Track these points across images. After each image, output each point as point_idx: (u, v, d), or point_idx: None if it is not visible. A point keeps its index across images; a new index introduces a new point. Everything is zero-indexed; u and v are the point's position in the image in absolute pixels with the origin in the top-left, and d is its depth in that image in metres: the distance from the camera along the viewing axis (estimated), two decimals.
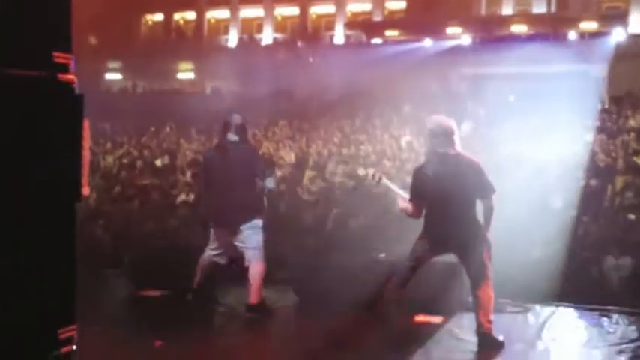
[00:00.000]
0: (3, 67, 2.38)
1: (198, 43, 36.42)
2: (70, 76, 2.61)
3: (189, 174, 11.22)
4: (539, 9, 32.18)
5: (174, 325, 5.99)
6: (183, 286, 6.71)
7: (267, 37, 37.97)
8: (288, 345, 5.89)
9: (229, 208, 6.19)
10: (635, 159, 10.91)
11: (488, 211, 5.33)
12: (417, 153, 11.21)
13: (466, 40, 25.69)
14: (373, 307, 5.83)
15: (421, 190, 5.46)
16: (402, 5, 35.54)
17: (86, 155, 2.74)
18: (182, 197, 10.32)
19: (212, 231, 6.50)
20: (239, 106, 18.96)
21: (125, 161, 13.50)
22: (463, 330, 5.74)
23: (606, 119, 14.93)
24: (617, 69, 21.69)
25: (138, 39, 38.44)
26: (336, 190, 9.93)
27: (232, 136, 6.29)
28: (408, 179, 5.94)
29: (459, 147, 5.42)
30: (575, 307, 6.53)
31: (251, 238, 6.27)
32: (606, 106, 16.79)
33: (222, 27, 40.42)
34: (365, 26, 33.60)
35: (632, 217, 8.31)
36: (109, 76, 33.54)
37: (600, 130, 13.69)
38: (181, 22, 41.51)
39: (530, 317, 6.32)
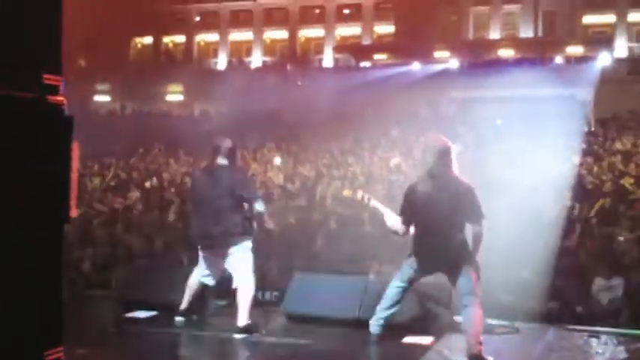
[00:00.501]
0: None
1: (187, 66, 36.56)
2: (60, 98, 2.61)
3: (174, 194, 11.22)
4: (526, 33, 32.65)
5: (162, 348, 5.93)
6: (172, 308, 6.66)
7: (256, 59, 38.22)
8: None
9: (217, 230, 6.17)
10: (622, 181, 11.00)
11: (477, 236, 5.34)
12: (405, 175, 11.25)
13: (454, 63, 25.93)
14: (363, 328, 5.80)
15: (413, 207, 5.46)
16: (391, 29, 35.96)
17: (74, 177, 2.73)
18: (171, 217, 10.30)
19: (200, 253, 6.48)
20: (228, 128, 19.03)
21: (112, 183, 13.47)
22: (453, 351, 5.71)
23: (592, 142, 15.07)
24: (603, 92, 21.94)
25: (127, 61, 38.53)
26: (327, 213, 9.94)
27: (222, 160, 6.29)
28: (397, 200, 5.94)
29: (455, 169, 5.44)
30: (565, 328, 6.53)
31: (239, 260, 6.25)
32: (592, 129, 16.95)
33: (211, 50, 40.67)
34: (354, 50, 33.90)
35: (620, 238, 8.35)
36: (98, 98, 33.53)
37: (587, 152, 13.81)
38: (171, 45, 41.71)
39: (520, 338, 6.31)
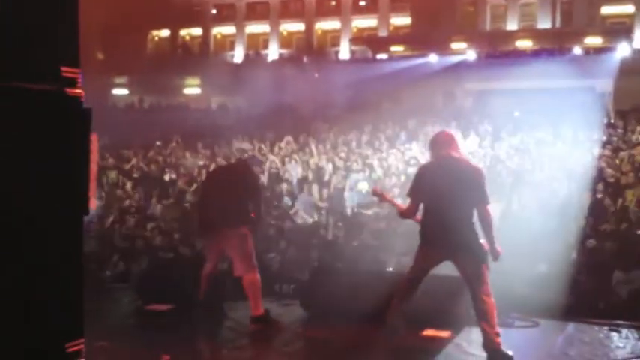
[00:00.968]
0: (11, 80, 2.39)
1: (204, 59, 36.62)
2: (78, 91, 2.61)
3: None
4: (543, 24, 32.30)
5: (182, 339, 5.96)
6: (191, 299, 6.70)
7: (272, 52, 38.19)
8: (294, 359, 5.85)
9: (217, 216, 6.25)
10: None
11: (484, 221, 5.28)
12: None
13: (471, 55, 25.71)
14: (380, 321, 5.79)
15: (421, 187, 5.46)
16: (407, 21, 35.73)
17: (93, 169, 2.74)
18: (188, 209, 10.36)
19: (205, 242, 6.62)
20: (245, 121, 19.07)
21: (135, 176, 13.56)
22: (471, 344, 5.69)
23: (612, 134, 14.91)
24: (622, 84, 21.65)
25: (145, 55, 38.68)
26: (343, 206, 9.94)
27: None
28: None
29: (462, 152, 5.45)
30: (585, 322, 6.48)
31: (237, 247, 6.27)
32: (612, 121, 16.77)
33: (228, 43, 40.69)
34: (370, 42, 33.74)
35: (639, 232, 8.28)
36: (116, 91, 33.71)
37: (606, 144, 13.67)
38: (187, 38, 41.80)
39: (540, 332, 6.27)
